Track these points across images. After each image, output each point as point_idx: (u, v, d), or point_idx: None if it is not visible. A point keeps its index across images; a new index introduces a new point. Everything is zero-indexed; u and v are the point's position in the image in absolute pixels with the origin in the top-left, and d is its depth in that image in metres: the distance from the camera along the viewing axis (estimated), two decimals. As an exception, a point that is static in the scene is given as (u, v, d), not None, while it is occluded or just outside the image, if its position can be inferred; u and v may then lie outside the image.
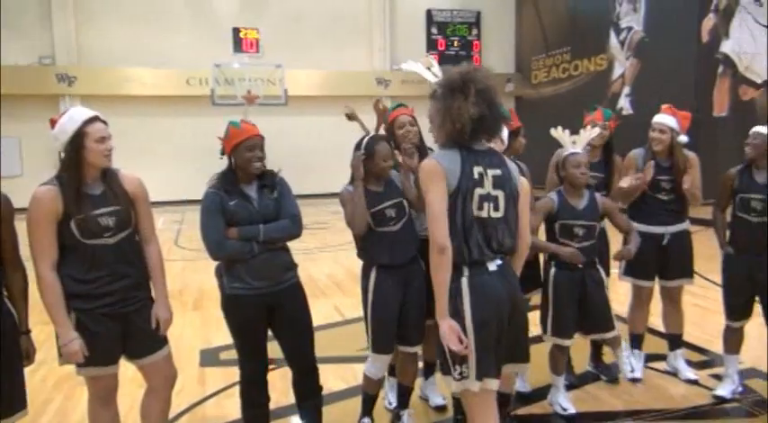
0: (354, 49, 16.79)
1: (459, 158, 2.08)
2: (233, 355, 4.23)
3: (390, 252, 2.75)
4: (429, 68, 2.28)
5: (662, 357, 3.85)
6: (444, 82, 2.15)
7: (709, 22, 12.18)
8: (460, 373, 2.06)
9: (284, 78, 14.33)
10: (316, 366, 2.81)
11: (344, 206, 2.76)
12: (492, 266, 2.10)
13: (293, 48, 15.49)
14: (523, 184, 2.78)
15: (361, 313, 2.91)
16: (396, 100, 14.74)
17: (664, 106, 3.60)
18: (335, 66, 16.33)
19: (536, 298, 3.53)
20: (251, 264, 2.54)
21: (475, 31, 18.15)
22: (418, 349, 2.94)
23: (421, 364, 3.26)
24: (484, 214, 2.08)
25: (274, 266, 2.61)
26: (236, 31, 13.98)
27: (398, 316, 2.79)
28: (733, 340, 3.39)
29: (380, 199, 2.75)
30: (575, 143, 3.13)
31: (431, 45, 17.78)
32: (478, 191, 2.07)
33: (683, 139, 3.47)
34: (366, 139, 2.79)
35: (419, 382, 3.36)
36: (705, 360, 3.91)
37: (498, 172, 2.13)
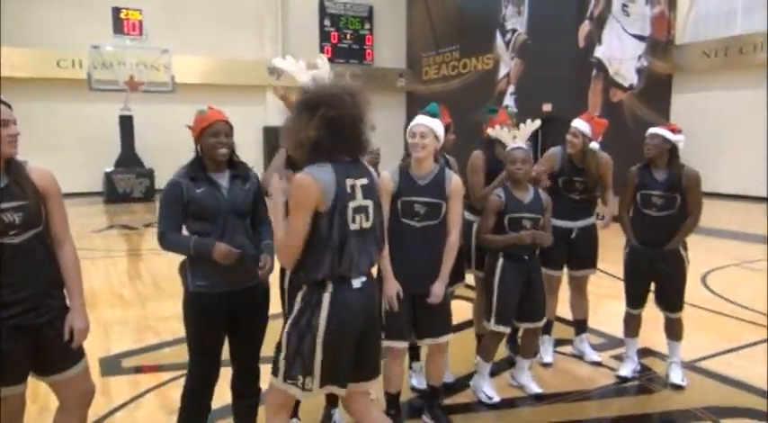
0: (245, 36, 16.24)
1: (333, 171, 2.04)
2: (137, 361, 4.01)
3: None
4: (312, 68, 2.25)
5: (568, 342, 4.12)
6: (301, 97, 2.10)
7: (585, 28, 13.16)
8: (303, 384, 2.08)
9: (171, 64, 13.53)
10: (258, 367, 2.69)
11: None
12: (356, 283, 2.11)
13: (180, 32, 14.66)
14: (455, 180, 2.85)
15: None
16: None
17: (585, 113, 3.84)
18: (226, 53, 15.70)
19: (459, 290, 3.64)
20: (215, 263, 2.38)
21: (368, 26, 18.25)
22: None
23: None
24: (354, 227, 2.08)
25: (240, 267, 2.46)
26: (116, 10, 12.94)
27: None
28: (633, 325, 3.68)
29: None
30: (515, 138, 3.23)
31: (324, 37, 17.63)
32: (352, 204, 2.07)
33: (595, 145, 3.68)
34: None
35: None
36: (604, 342, 4.22)
37: (365, 181, 2.12)
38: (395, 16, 18.58)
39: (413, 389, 3.46)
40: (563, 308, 4.04)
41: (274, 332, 2.36)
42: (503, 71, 15.10)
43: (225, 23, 15.76)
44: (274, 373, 2.15)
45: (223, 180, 2.48)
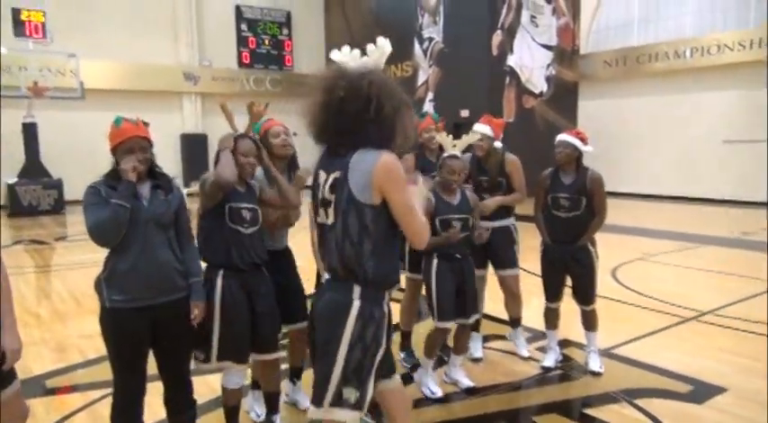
0: (159, 40, 15.76)
1: (318, 160, 2.10)
2: (61, 382, 3.83)
3: (240, 254, 2.70)
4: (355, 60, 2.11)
5: (495, 337, 4.34)
6: (320, 78, 2.06)
7: (497, 37, 13.78)
8: None
9: (79, 69, 12.88)
10: (190, 380, 2.67)
11: (206, 182, 2.64)
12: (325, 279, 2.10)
13: (88, 36, 14.04)
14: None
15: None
16: (206, 97, 14.15)
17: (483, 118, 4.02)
18: (138, 58, 15.14)
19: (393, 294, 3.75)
20: (135, 275, 2.34)
21: (286, 31, 18.18)
22: (277, 356, 2.92)
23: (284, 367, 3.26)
24: (320, 220, 2.05)
25: (163, 279, 2.42)
26: (15, 11, 12.16)
27: (250, 324, 2.74)
28: (552, 318, 3.95)
29: (240, 198, 2.71)
30: (455, 146, 3.38)
31: (242, 42, 17.41)
32: (318, 196, 2.04)
33: (498, 144, 3.92)
34: (227, 136, 2.75)
35: (286, 386, 3.37)
36: (529, 336, 4.46)
37: (338, 174, 1.96)
38: (313, 22, 18.64)
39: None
40: (496, 306, 4.25)
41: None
42: (421, 78, 15.52)
43: (137, 27, 15.23)
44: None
45: (144, 189, 2.43)
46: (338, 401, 1.96)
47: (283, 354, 3.08)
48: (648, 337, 4.51)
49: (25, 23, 12.12)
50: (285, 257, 3.22)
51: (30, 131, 12.58)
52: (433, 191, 3.39)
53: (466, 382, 3.59)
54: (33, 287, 6.48)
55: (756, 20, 12.27)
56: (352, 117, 1.93)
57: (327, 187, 1.97)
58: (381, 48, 2.09)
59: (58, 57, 12.65)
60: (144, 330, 2.44)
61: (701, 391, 3.50)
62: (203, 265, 2.71)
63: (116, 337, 2.42)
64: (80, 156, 12.88)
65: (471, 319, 3.50)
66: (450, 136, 3.45)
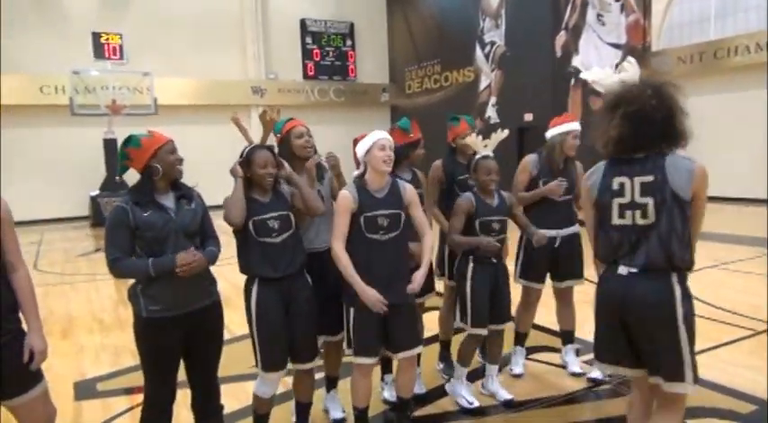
0: (227, 56, 16.38)
1: (603, 170, 2.26)
2: (112, 385, 4.01)
3: (272, 264, 2.69)
4: (618, 73, 2.33)
5: (539, 349, 4.15)
6: (604, 101, 2.27)
7: (561, 38, 13.37)
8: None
9: (153, 86, 13.61)
10: (218, 386, 2.71)
11: (225, 207, 2.69)
12: (623, 271, 2.20)
13: (161, 55, 14.80)
14: (409, 188, 2.90)
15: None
16: (273, 109, 14.41)
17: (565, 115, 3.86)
18: (208, 74, 15.82)
19: (430, 301, 3.67)
20: (169, 284, 2.40)
21: (349, 42, 18.44)
22: (312, 366, 2.90)
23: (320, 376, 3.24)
24: (624, 222, 2.19)
25: (195, 285, 2.48)
26: (95, 35, 13.03)
27: (287, 332, 2.75)
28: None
29: (264, 209, 2.71)
30: (486, 146, 3.31)
31: (306, 55, 17.80)
32: (618, 200, 2.20)
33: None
34: (247, 148, 2.77)
35: (322, 394, 3.37)
36: (579, 348, 4.23)
37: (649, 179, 2.15)
38: (376, 31, 18.80)
39: (385, 401, 3.47)
40: (544, 317, 4.07)
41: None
42: (484, 83, 15.30)
43: (206, 44, 15.91)
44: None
45: (168, 202, 2.50)
46: (696, 378, 2.19)
47: (320, 362, 3.07)
48: (714, 350, 4.17)
49: (104, 46, 12.95)
50: (325, 260, 3.14)
51: (110, 147, 13.36)
52: (473, 192, 3.32)
53: (504, 394, 3.45)
54: (103, 295, 6.83)
55: None
56: (660, 124, 2.14)
57: (638, 191, 2.16)
58: (634, 65, 2.33)
59: (133, 75, 13.41)
60: (178, 340, 2.50)
61: (764, 413, 3.19)
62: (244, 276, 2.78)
63: (152, 348, 2.49)
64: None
65: (504, 326, 3.38)
66: (480, 136, 3.35)
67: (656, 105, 2.13)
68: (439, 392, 3.60)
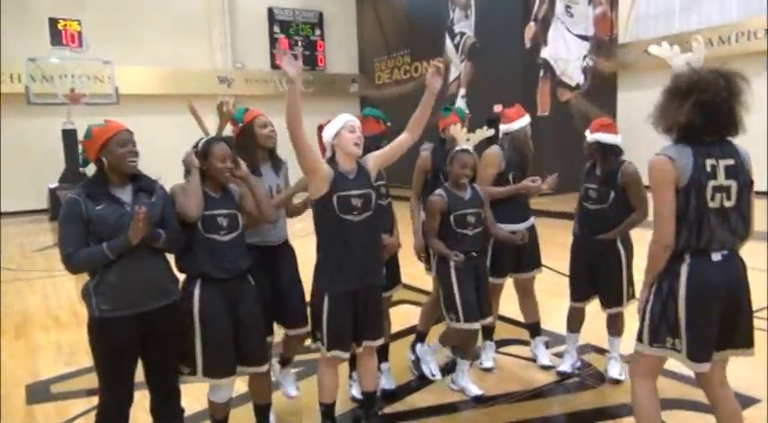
0: (192, 45, 15.97)
1: (691, 152, 2.17)
2: (67, 386, 3.83)
3: (218, 263, 2.55)
4: (684, 53, 2.29)
5: (508, 342, 4.12)
6: (674, 80, 2.22)
7: (530, 29, 13.38)
8: (672, 345, 2.26)
9: (114, 75, 13.18)
10: (178, 388, 2.59)
11: (176, 198, 2.53)
12: (716, 256, 2.20)
13: (123, 42, 14.32)
14: (369, 161, 2.82)
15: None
16: (240, 99, 14.23)
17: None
18: (172, 63, 15.40)
19: (397, 294, 3.60)
20: (122, 282, 2.27)
21: (318, 32, 18.18)
22: (266, 368, 2.79)
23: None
24: (713, 205, 2.17)
25: (151, 284, 2.35)
26: (53, 21, 12.51)
27: (233, 336, 2.60)
28: (574, 319, 3.70)
29: (214, 204, 2.57)
30: (468, 140, 3.25)
31: (274, 44, 17.46)
32: (712, 183, 2.16)
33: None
34: (203, 140, 2.62)
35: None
36: (547, 340, 4.21)
37: (731, 162, 2.18)
38: (345, 21, 18.57)
39: (353, 399, 3.39)
40: (513, 308, 4.03)
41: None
42: (453, 74, 15.24)
43: (170, 32, 15.48)
44: (639, 340, 2.34)
45: (125, 195, 2.36)
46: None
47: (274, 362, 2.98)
48: (680, 341, 4.20)
49: (62, 32, 12.46)
50: (282, 254, 3.09)
51: (69, 137, 12.91)
52: (444, 187, 3.26)
53: (474, 389, 3.40)
54: (60, 291, 6.58)
55: (809, 0, 11.52)
56: (728, 114, 2.16)
57: (723, 174, 2.16)
58: (701, 45, 2.31)
59: (93, 64, 12.95)
60: (134, 340, 2.37)
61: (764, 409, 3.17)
62: (181, 276, 2.62)
63: (105, 348, 2.35)
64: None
65: (488, 320, 3.34)
66: (465, 129, 3.29)
67: (728, 96, 2.14)
68: (408, 389, 3.54)
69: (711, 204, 2.17)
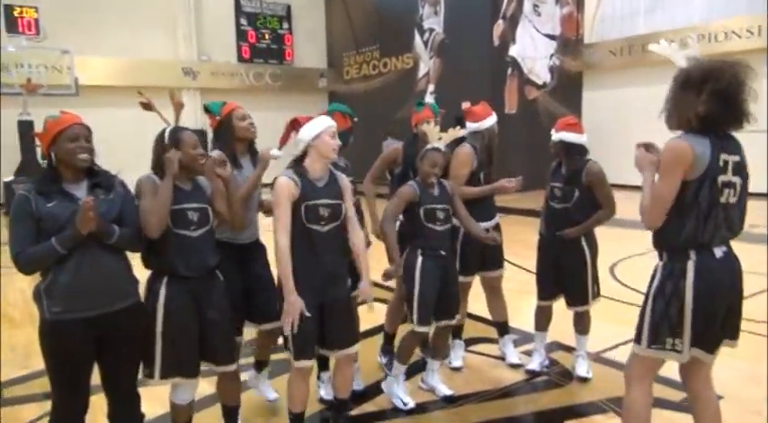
0: (155, 35, 15.59)
1: (709, 144, 2.12)
2: (20, 390, 3.66)
3: (187, 260, 2.45)
4: (683, 50, 2.26)
5: (478, 340, 4.11)
6: (682, 74, 2.19)
7: (499, 27, 13.46)
8: (672, 346, 2.20)
9: (73, 65, 12.76)
10: (137, 394, 2.48)
11: (142, 197, 2.40)
12: (719, 252, 2.17)
13: (83, 31, 13.87)
14: (344, 178, 2.76)
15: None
16: (205, 92, 13.87)
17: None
18: (135, 53, 14.99)
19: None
20: (73, 283, 2.15)
21: (286, 25, 17.95)
22: (234, 367, 2.71)
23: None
24: (723, 200, 2.15)
25: (106, 286, 2.23)
26: (8, 8, 12.04)
27: (199, 335, 2.52)
28: (541, 318, 3.71)
29: (185, 198, 2.47)
30: (440, 139, 3.18)
31: (241, 36, 17.21)
32: (722, 178, 2.13)
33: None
34: (168, 130, 2.50)
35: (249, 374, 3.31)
36: (515, 338, 4.21)
37: (737, 158, 2.16)
38: (313, 15, 18.38)
39: (321, 401, 3.33)
40: (483, 306, 4.01)
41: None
42: (422, 70, 15.24)
43: (134, 22, 15.07)
44: (638, 341, 2.28)
45: (79, 191, 2.24)
46: None
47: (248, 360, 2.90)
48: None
49: (18, 20, 12.00)
50: (253, 251, 3.03)
51: (25, 129, 12.45)
52: (416, 180, 3.21)
53: (444, 389, 3.37)
54: (17, 288, 6.31)
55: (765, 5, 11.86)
56: (741, 104, 2.13)
57: (731, 170, 2.14)
58: (695, 42, 2.38)
59: (51, 53, 12.51)
60: (89, 344, 2.26)
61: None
62: (147, 272, 2.52)
63: (57, 353, 2.24)
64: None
65: (454, 321, 3.28)
66: (438, 127, 3.24)
67: (738, 85, 2.12)
68: (377, 389, 3.49)
69: (721, 199, 2.15)
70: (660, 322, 2.21)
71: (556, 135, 3.47)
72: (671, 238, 2.20)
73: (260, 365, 3.33)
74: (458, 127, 3.30)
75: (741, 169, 2.19)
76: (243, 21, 17.22)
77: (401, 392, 3.28)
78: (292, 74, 17.83)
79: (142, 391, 2.53)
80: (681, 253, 2.18)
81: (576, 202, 3.40)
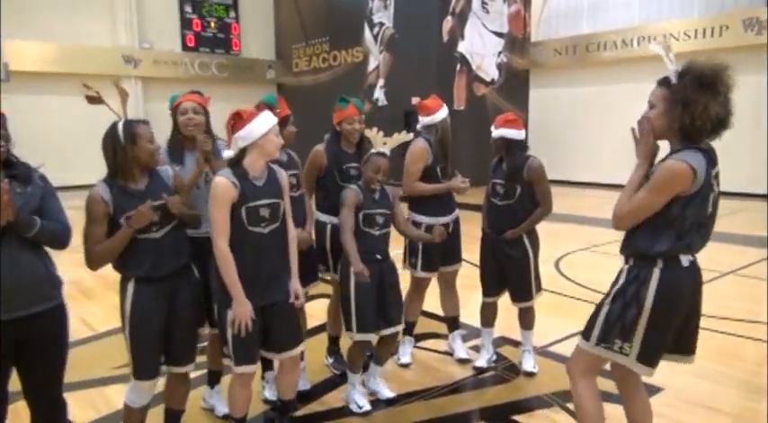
0: (94, 20, 14.93)
1: (704, 160, 2.02)
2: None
3: (152, 262, 2.35)
4: (667, 53, 2.09)
5: (426, 336, 4.10)
6: (695, 73, 2.00)
7: (448, 23, 13.53)
8: (620, 349, 2.16)
9: (3, 50, 12.04)
10: (63, 402, 2.33)
11: (90, 221, 2.30)
12: (685, 262, 2.10)
13: (14, 14, 13.09)
14: (284, 174, 2.64)
15: (116, 325, 2.55)
16: (147, 81, 13.32)
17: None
18: (71, 38, 14.29)
19: (315, 289, 3.46)
20: None
21: (233, 14, 17.51)
22: (189, 369, 2.60)
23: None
24: (708, 213, 2.08)
25: (23, 284, 2.07)
26: (-70, -14, 11.26)
27: (163, 336, 2.44)
28: (488, 314, 3.73)
29: (139, 200, 2.31)
30: (385, 144, 3.09)
31: (185, 24, 16.69)
32: (713, 193, 2.07)
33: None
34: (121, 125, 2.34)
35: (204, 391, 3.19)
36: (464, 333, 4.22)
37: (718, 168, 2.09)
38: (261, 4, 18.01)
39: (265, 401, 3.23)
40: (430, 302, 3.99)
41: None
42: (372, 64, 15.17)
43: (69, 6, 14.36)
44: (586, 337, 2.24)
45: None
46: None
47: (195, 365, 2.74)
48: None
49: (-60, -1, 11.23)
50: (208, 249, 2.85)
51: (-50, 116, 11.72)
52: (358, 185, 3.11)
53: (386, 392, 3.29)
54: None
55: (701, 9, 12.38)
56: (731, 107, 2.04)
57: (716, 181, 2.08)
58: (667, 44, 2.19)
59: (-21, 36, 11.79)
60: (4, 349, 2.09)
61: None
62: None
63: None
64: (6, 142, 12.11)
65: (397, 329, 3.18)
66: (381, 132, 3.16)
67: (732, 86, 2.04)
68: (324, 387, 3.42)
69: (708, 212, 2.08)
70: (614, 323, 2.17)
71: (496, 132, 3.46)
72: (642, 246, 2.11)
73: (213, 376, 3.18)
74: (403, 131, 3.21)
75: (718, 178, 2.12)
76: (187, 8, 16.68)
77: (358, 397, 3.18)
78: (240, 65, 17.44)
79: (72, 395, 2.38)
80: (649, 259, 2.11)
81: (519, 198, 3.41)
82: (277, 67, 18.19)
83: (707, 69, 2.00)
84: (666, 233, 2.07)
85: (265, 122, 2.46)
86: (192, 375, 3.31)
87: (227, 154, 2.49)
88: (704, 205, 2.06)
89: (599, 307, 2.25)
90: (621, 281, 2.19)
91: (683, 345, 2.24)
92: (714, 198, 2.10)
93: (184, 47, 16.70)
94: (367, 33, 15.17)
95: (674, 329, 2.16)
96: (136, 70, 15.52)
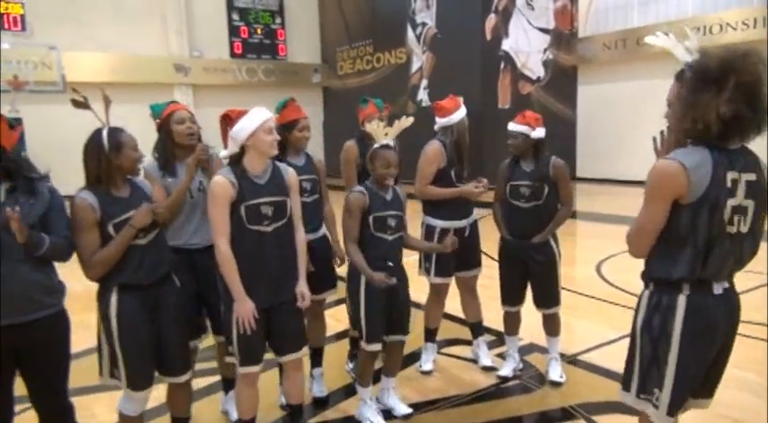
0: (146, 31, 15.42)
1: (711, 160, 1.74)
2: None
3: (136, 269, 2.34)
4: (682, 42, 1.88)
5: (450, 342, 4.01)
6: (697, 67, 1.78)
7: (491, 21, 13.29)
8: (657, 399, 1.87)
9: (61, 61, 12.63)
10: (70, 406, 2.37)
11: (82, 229, 2.28)
12: (718, 289, 1.84)
13: (70, 27, 13.73)
14: (291, 172, 2.59)
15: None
16: (198, 88, 13.68)
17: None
18: (124, 49, 14.84)
19: (339, 293, 3.42)
20: None
21: (279, 20, 17.78)
22: (187, 377, 2.60)
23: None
24: (733, 229, 1.77)
25: (22, 293, 2.10)
26: (-6, 4, 11.94)
27: (153, 344, 2.42)
28: (511, 323, 3.59)
29: (126, 207, 2.33)
30: (387, 135, 2.94)
31: (233, 32, 17.04)
32: (731, 202, 1.74)
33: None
34: (106, 132, 2.34)
35: (221, 397, 3.20)
36: (491, 340, 4.09)
37: (753, 177, 1.77)
38: (306, 10, 18.20)
39: (282, 407, 3.21)
40: (455, 305, 3.90)
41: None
42: (416, 65, 15.09)
43: (124, 17, 14.90)
44: (626, 389, 1.96)
45: None
46: None
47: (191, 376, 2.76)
48: (625, 340, 4.14)
49: (3, 16, 11.87)
50: (207, 258, 2.79)
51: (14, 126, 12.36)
52: (365, 185, 2.98)
53: (402, 408, 3.15)
54: None
55: (761, -3, 11.70)
56: (764, 101, 1.71)
57: (743, 191, 1.75)
58: (694, 33, 1.95)
59: (38, 49, 12.37)
60: (7, 358, 2.13)
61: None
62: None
63: None
64: (65, 150, 12.66)
65: (402, 338, 3.07)
66: (382, 123, 3.05)
67: (762, 78, 1.70)
68: (341, 395, 3.38)
69: (729, 229, 1.76)
70: (649, 366, 1.88)
71: (535, 132, 3.29)
72: (660, 271, 1.85)
73: (227, 383, 3.16)
74: (403, 117, 3.04)
75: (758, 190, 1.78)
76: (235, 16, 17.05)
77: (371, 414, 3.06)
78: (286, 69, 17.67)
79: (82, 400, 2.42)
80: (673, 285, 1.83)
81: (546, 198, 3.30)
82: (322, 71, 18.35)
83: (713, 61, 1.73)
84: (681, 253, 1.79)
85: (253, 121, 2.42)
86: (212, 381, 3.39)
87: (223, 153, 2.50)
88: (717, 217, 1.74)
89: (631, 347, 1.96)
90: (643, 309, 1.92)
91: (709, 387, 1.98)
92: (741, 211, 1.76)
93: (232, 54, 17.08)
94: (410, 34, 15.11)
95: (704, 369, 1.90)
96: (187, 78, 15.97)
